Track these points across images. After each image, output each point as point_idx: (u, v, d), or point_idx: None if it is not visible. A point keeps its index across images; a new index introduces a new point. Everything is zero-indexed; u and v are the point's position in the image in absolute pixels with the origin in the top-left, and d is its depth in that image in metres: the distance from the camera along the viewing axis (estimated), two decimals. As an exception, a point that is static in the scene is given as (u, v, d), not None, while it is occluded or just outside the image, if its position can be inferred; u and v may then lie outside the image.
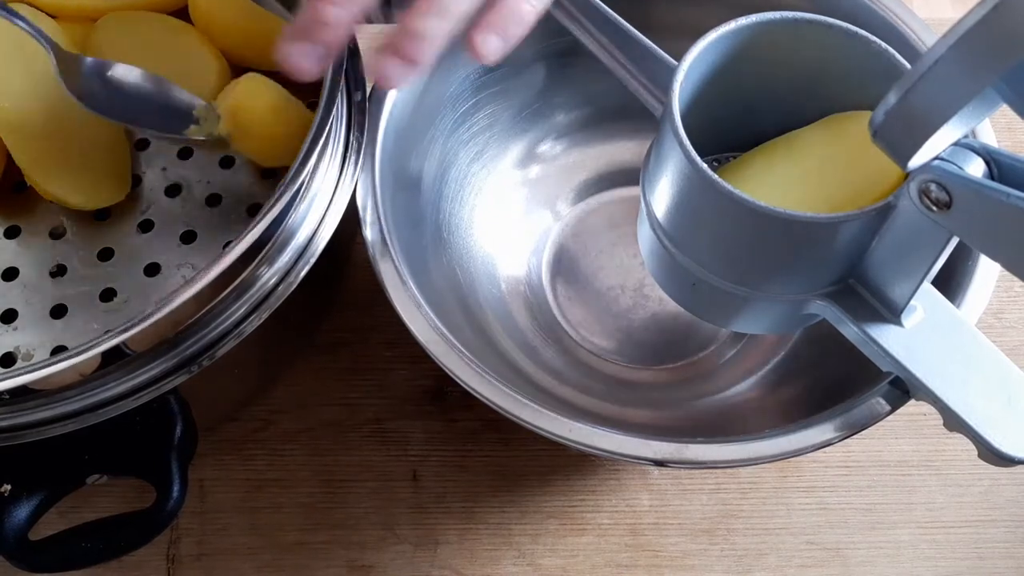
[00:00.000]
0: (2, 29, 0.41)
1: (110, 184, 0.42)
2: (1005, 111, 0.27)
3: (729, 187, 0.32)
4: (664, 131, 0.34)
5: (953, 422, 0.34)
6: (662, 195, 0.36)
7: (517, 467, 0.46)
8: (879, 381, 0.37)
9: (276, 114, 0.40)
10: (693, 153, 0.32)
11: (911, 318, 0.35)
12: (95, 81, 0.40)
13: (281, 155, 0.40)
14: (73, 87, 0.39)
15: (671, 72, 0.34)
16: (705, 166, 0.32)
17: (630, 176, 0.52)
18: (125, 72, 0.40)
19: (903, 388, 0.36)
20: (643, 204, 0.38)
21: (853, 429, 0.36)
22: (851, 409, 0.37)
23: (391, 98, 0.43)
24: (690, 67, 0.34)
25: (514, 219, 0.51)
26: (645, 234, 0.39)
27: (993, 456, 0.33)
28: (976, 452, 0.34)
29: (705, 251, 0.36)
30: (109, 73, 0.40)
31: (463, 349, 0.38)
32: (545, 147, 0.52)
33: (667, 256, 0.37)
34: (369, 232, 0.39)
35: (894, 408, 0.36)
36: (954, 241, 0.31)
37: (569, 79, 0.50)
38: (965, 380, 0.34)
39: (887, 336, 0.35)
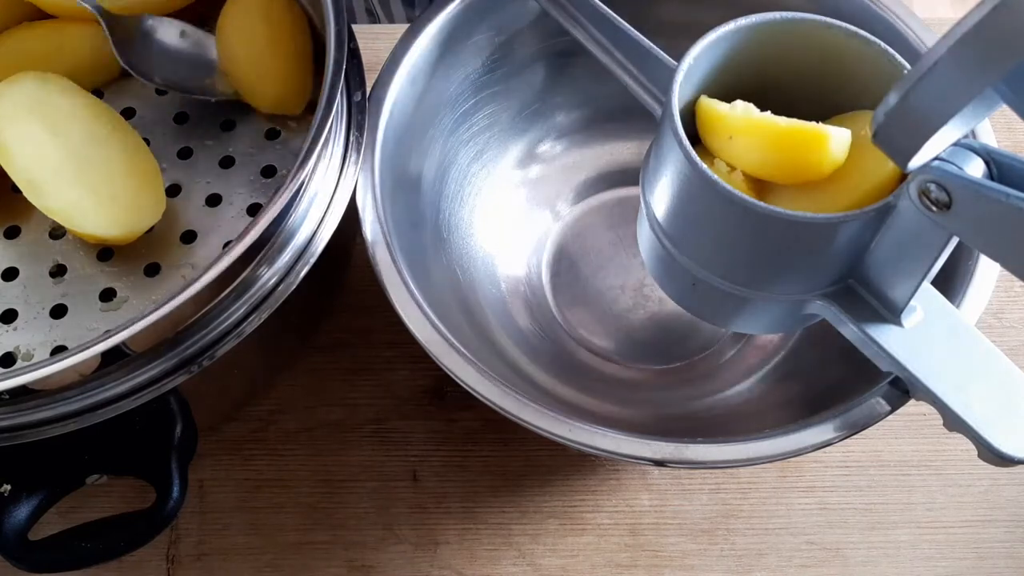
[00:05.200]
0: (16, 91, 0.41)
1: (146, 207, 0.41)
2: (1005, 111, 0.27)
3: (729, 187, 0.32)
4: (664, 131, 0.34)
5: (953, 422, 0.34)
6: (662, 195, 0.36)
7: (517, 467, 0.46)
8: (879, 381, 0.37)
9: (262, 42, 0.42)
10: (693, 153, 0.32)
11: (911, 318, 0.35)
12: (145, 42, 0.43)
13: (275, 91, 0.43)
14: (126, 56, 0.42)
15: (671, 72, 0.34)
16: (705, 167, 0.32)
17: (630, 176, 0.52)
18: (168, 28, 0.44)
19: (903, 388, 0.36)
20: (643, 204, 0.38)
21: (853, 429, 0.36)
22: (851, 409, 0.37)
23: (391, 98, 0.43)
24: (690, 67, 0.34)
25: (514, 219, 0.51)
26: (645, 234, 0.39)
27: (993, 456, 0.33)
28: (976, 452, 0.34)
29: (705, 251, 0.36)
30: (158, 33, 0.44)
31: (463, 349, 0.38)
32: (545, 147, 0.52)
33: (667, 256, 0.37)
34: (369, 232, 0.39)
35: (894, 408, 0.36)
36: (954, 241, 0.31)
37: (569, 79, 0.50)
38: (965, 380, 0.34)
39: (887, 336, 0.35)
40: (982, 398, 0.34)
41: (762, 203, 0.32)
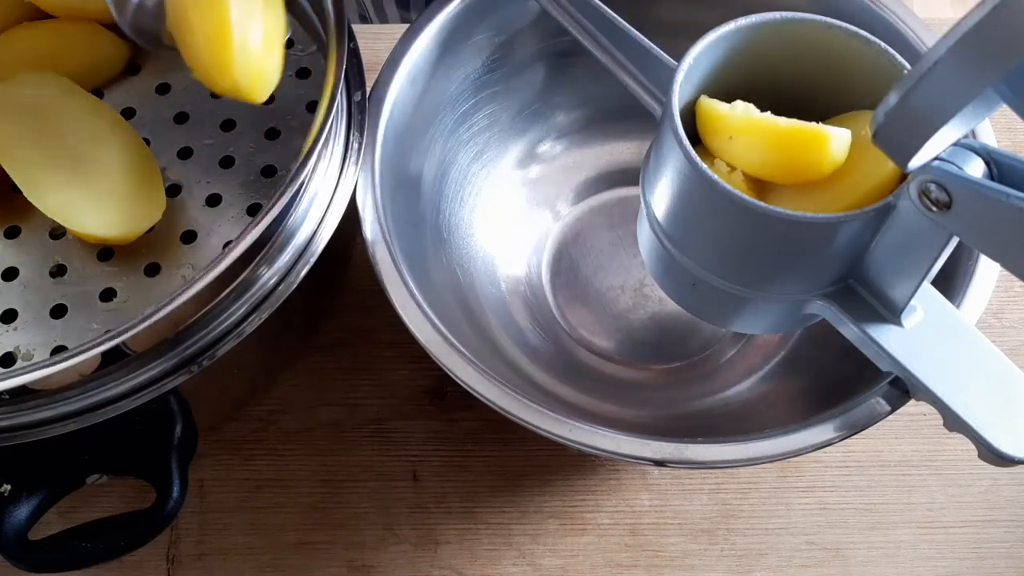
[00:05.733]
0: (16, 91, 0.41)
1: (146, 207, 0.41)
2: (1005, 111, 0.27)
3: (729, 187, 0.32)
4: (664, 131, 0.34)
5: (953, 422, 0.34)
6: (662, 195, 0.36)
7: (517, 467, 0.46)
8: (879, 381, 0.37)
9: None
10: (693, 153, 0.32)
11: (911, 318, 0.35)
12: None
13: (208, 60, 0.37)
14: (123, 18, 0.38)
15: (671, 72, 0.34)
16: (705, 167, 0.32)
17: (630, 176, 0.52)
18: None
19: (903, 388, 0.36)
20: (643, 204, 0.38)
21: (853, 429, 0.36)
22: (851, 409, 0.37)
23: (391, 98, 0.43)
24: (690, 67, 0.34)
25: (514, 219, 0.51)
26: (645, 234, 0.39)
27: (993, 456, 0.33)
28: (976, 452, 0.34)
29: (705, 251, 0.36)
30: None
31: (463, 349, 0.38)
32: (545, 147, 0.52)
33: (667, 256, 0.37)
34: (369, 232, 0.39)
35: (894, 408, 0.36)
36: (954, 241, 0.31)
37: (569, 79, 0.50)
38: (965, 380, 0.34)
39: (887, 336, 0.35)
40: (982, 398, 0.34)
41: (762, 203, 0.32)
